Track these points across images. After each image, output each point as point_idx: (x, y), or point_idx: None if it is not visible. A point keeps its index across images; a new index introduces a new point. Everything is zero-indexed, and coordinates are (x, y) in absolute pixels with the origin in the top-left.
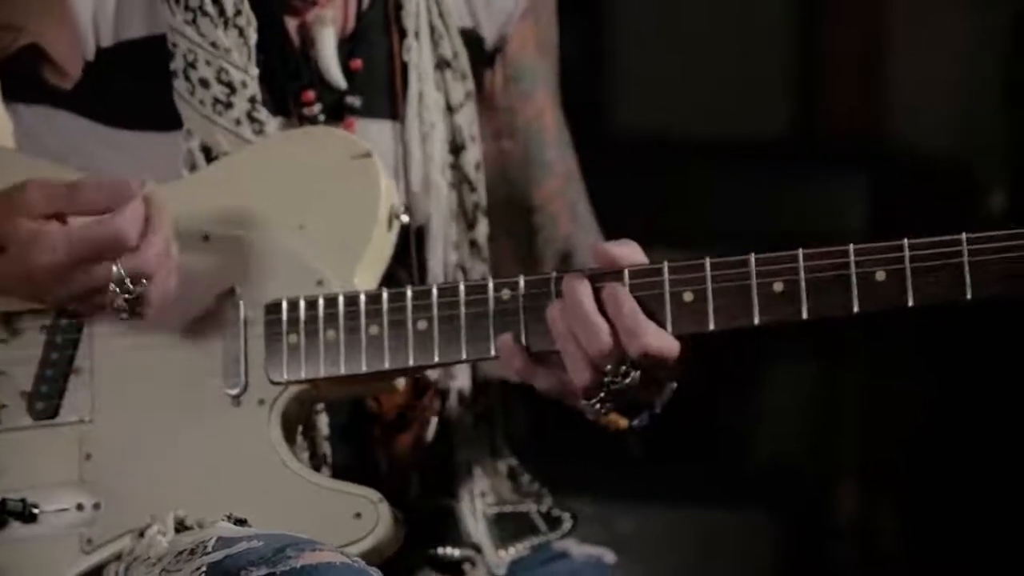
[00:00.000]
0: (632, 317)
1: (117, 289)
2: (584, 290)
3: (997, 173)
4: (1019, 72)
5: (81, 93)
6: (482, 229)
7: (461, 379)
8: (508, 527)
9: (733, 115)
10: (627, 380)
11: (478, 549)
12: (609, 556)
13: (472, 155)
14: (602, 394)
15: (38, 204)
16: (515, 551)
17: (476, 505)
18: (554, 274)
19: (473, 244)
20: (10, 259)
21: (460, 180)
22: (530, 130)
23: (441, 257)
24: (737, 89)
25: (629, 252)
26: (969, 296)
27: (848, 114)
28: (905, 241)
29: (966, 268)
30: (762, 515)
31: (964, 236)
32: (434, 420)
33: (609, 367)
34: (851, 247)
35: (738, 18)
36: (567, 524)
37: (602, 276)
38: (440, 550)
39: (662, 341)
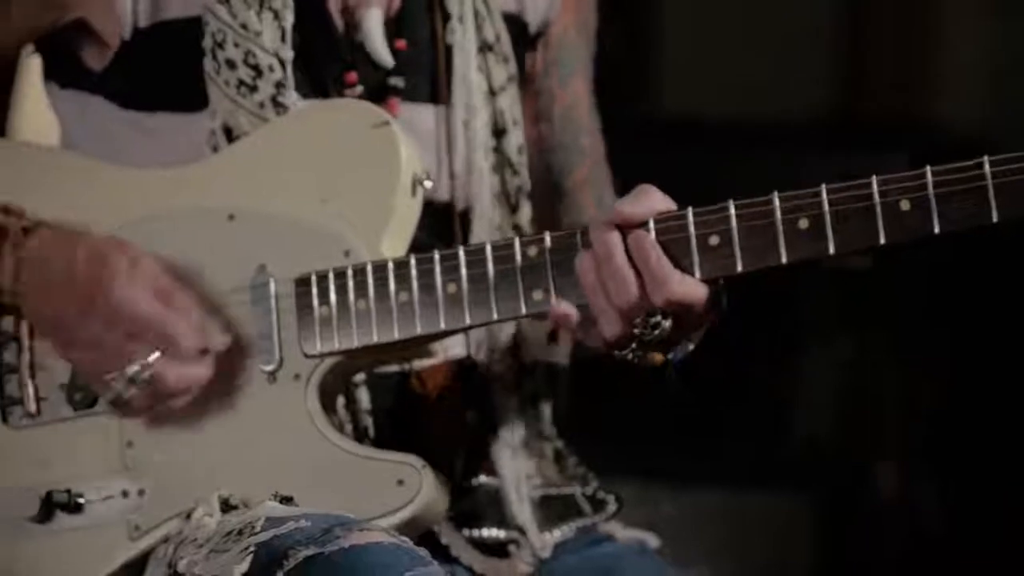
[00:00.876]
0: (658, 266)
1: (129, 371)
2: (614, 240)
3: None
4: None
5: (112, 75)
6: (525, 213)
7: (506, 361)
8: (553, 509)
9: (775, 96)
10: (656, 331)
11: (523, 531)
12: (653, 540)
13: (514, 139)
14: (633, 345)
15: (152, 265)
16: (560, 533)
17: (521, 487)
18: (579, 228)
19: (516, 228)
20: (87, 278)
21: (502, 164)
22: (567, 116)
23: (485, 241)
24: (779, 70)
25: (646, 207)
26: (995, 219)
27: (890, 95)
28: (927, 168)
29: (990, 191)
30: (806, 496)
31: (986, 159)
32: (478, 402)
33: (638, 320)
34: (874, 178)
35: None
36: (612, 507)
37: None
38: (485, 531)
39: (686, 287)
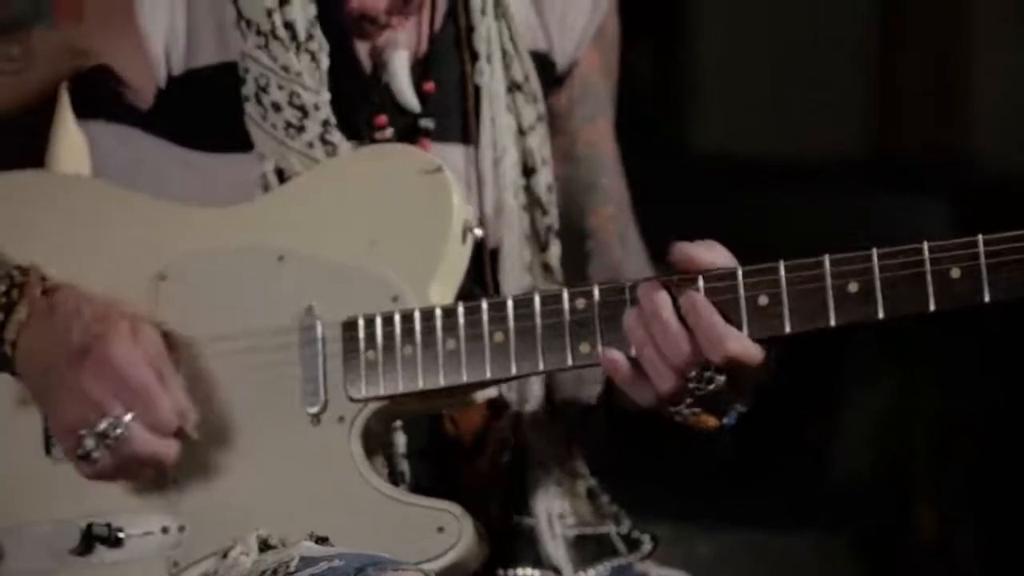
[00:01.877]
0: (712, 324)
1: (100, 426)
2: (662, 299)
3: None
4: None
5: (154, 116)
6: (555, 251)
7: (537, 401)
8: (588, 549)
9: (810, 137)
10: (711, 386)
11: (558, 570)
12: None
13: (544, 178)
14: (688, 400)
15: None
16: (595, 573)
17: (555, 526)
18: (628, 282)
19: (546, 267)
20: (87, 331)
21: (532, 203)
22: (590, 155)
23: (515, 280)
24: (814, 111)
25: (710, 255)
26: None
27: (926, 136)
28: (980, 237)
29: None
30: (840, 538)
31: None
32: (511, 442)
33: (693, 374)
34: (925, 244)
35: (815, 39)
36: (647, 546)
37: (677, 282)
38: (520, 571)
39: (743, 344)
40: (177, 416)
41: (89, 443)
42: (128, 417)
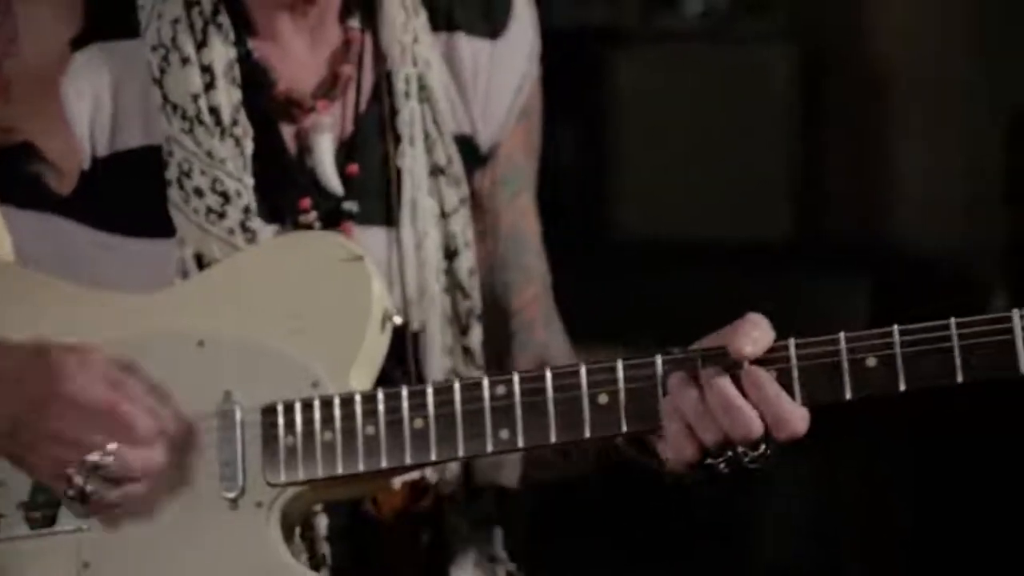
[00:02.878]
0: (779, 403)
1: (89, 459)
2: (726, 380)
3: (999, 273)
4: (1019, 170)
5: (76, 200)
6: (475, 335)
7: (458, 483)
8: None
9: (733, 218)
10: (761, 457)
11: None
12: None
13: (466, 261)
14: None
15: (100, 357)
16: None
17: None
18: (550, 369)
19: (467, 350)
20: (36, 377)
21: (453, 286)
22: (511, 235)
23: (437, 363)
24: (737, 192)
25: (764, 343)
26: (960, 379)
27: (848, 216)
28: (895, 327)
29: (956, 352)
30: None
31: (953, 321)
32: (432, 523)
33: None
34: (842, 335)
35: (738, 122)
36: None
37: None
38: None
39: (806, 423)
40: (153, 420)
41: (79, 480)
42: (112, 445)
